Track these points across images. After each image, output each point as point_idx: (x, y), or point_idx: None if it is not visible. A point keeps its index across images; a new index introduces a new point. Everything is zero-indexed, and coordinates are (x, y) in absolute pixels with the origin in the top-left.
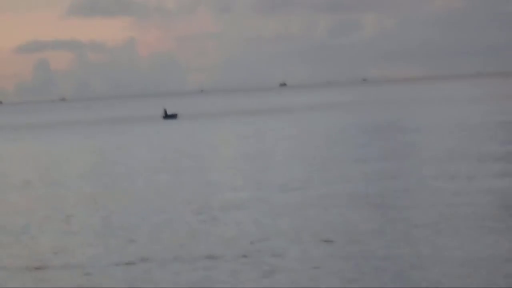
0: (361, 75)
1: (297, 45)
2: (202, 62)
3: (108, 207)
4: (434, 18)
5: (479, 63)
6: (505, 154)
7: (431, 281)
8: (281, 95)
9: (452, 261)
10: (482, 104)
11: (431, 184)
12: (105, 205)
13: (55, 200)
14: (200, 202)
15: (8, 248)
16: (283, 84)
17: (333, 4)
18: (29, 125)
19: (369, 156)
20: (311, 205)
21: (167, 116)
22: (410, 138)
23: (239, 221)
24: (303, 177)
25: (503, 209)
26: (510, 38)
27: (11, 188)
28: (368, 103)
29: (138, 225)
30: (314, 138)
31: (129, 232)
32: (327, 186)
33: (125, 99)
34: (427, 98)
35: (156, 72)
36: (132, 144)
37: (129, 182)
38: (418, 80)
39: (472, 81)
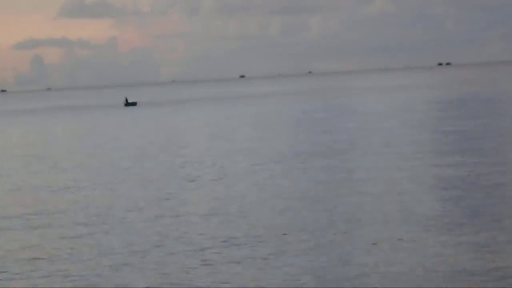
0: (307, 69)
1: (253, 43)
2: (173, 57)
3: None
4: (370, 20)
5: (407, 58)
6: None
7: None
8: (241, 85)
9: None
10: (409, 92)
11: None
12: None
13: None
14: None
15: None
16: (242, 76)
17: (284, 7)
18: (27, 110)
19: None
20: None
21: (128, 103)
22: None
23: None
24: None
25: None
26: (432, 37)
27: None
28: (313, 92)
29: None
30: (267, 120)
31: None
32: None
33: (106, 89)
34: (363, 87)
35: (134, 66)
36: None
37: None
38: (355, 72)
39: (401, 73)
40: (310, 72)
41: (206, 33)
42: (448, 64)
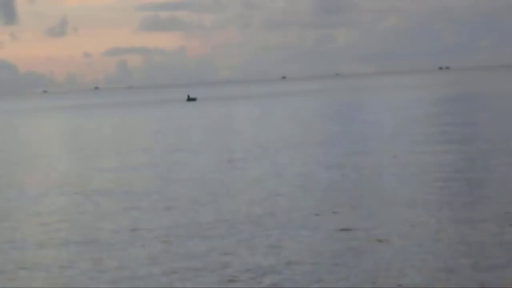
0: (335, 71)
1: (292, 51)
2: (229, 62)
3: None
4: (385, 32)
5: (414, 62)
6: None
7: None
8: (282, 84)
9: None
10: (415, 90)
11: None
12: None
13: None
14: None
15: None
16: (284, 77)
17: (316, 22)
18: (115, 103)
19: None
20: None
21: (189, 99)
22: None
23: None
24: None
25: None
26: (435, 45)
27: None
28: (339, 90)
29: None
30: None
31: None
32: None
33: (175, 87)
34: (379, 86)
35: (198, 69)
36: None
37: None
38: (373, 74)
39: (409, 75)
40: (337, 74)
41: (255, 43)
42: (447, 68)
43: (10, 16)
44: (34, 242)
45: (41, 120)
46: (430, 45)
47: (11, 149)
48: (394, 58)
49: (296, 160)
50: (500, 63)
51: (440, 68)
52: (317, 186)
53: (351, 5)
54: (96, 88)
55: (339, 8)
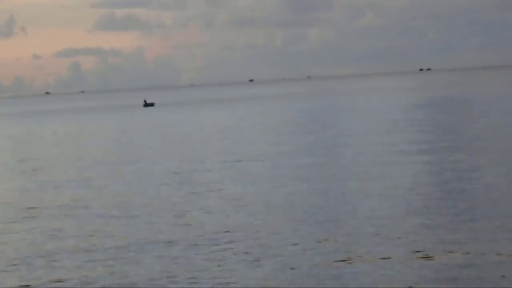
0: (307, 73)
1: (261, 52)
2: (192, 64)
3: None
4: (361, 31)
5: (393, 64)
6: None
7: None
8: (250, 88)
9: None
10: (393, 93)
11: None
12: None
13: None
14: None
15: None
16: (251, 80)
17: (286, 21)
18: (66, 109)
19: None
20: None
21: (146, 104)
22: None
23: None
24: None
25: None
26: (415, 46)
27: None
28: (310, 93)
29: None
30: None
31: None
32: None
33: (133, 92)
34: (354, 89)
35: (158, 71)
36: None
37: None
38: (348, 77)
39: (387, 77)
40: (309, 77)
41: (220, 43)
42: (428, 69)
43: None
44: None
45: None
46: (410, 44)
47: None
48: (371, 60)
49: (252, 173)
50: (488, 64)
51: (421, 69)
52: (277, 201)
53: (324, 1)
54: (47, 93)
55: (311, 5)
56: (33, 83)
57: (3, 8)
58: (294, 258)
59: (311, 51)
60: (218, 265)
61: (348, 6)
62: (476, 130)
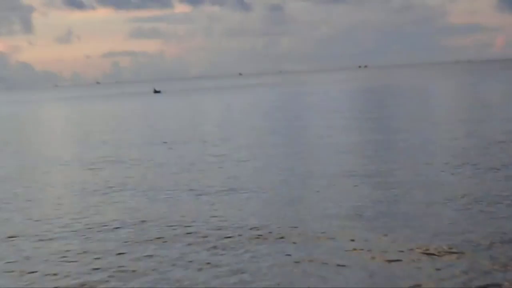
0: (279, 69)
1: (247, 54)
2: (197, 62)
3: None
4: (319, 39)
5: (336, 61)
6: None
7: None
8: (238, 80)
9: None
10: (337, 85)
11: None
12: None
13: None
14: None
15: None
16: (240, 74)
17: (264, 31)
18: (108, 95)
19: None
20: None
21: (155, 91)
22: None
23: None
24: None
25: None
26: (355, 47)
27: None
28: (282, 84)
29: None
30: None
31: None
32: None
33: (157, 81)
34: (311, 81)
35: (174, 67)
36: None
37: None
38: (309, 71)
39: (337, 73)
40: (280, 71)
41: (217, 47)
42: (365, 66)
43: (27, 27)
44: None
45: (49, 109)
46: (352, 49)
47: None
48: (324, 59)
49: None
50: (405, 62)
51: (359, 66)
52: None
53: (291, 17)
54: (98, 83)
55: (282, 20)
56: (86, 76)
57: (63, 23)
58: None
59: (282, 53)
60: None
61: (308, 21)
62: (392, 110)
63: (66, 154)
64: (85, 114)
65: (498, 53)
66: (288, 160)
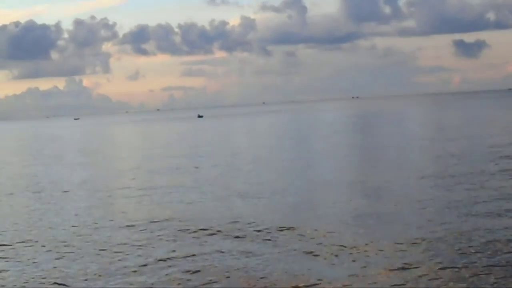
0: (293, 99)
1: (268, 87)
2: (231, 94)
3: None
4: (324, 77)
5: (340, 93)
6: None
7: None
8: (263, 107)
9: None
10: (339, 111)
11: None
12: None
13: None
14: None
15: None
16: (264, 103)
17: (281, 71)
18: (165, 118)
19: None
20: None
21: (199, 116)
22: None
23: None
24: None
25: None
26: (349, 80)
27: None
28: (296, 110)
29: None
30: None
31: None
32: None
33: (199, 109)
34: (318, 108)
35: (213, 98)
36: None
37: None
38: (316, 101)
39: (335, 102)
40: (293, 101)
41: (247, 83)
42: (357, 97)
43: (106, 68)
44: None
45: (121, 128)
46: (347, 84)
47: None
48: (327, 91)
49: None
50: (387, 94)
51: (353, 97)
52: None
53: (302, 61)
54: (158, 110)
55: (295, 63)
56: (149, 105)
57: (132, 65)
58: None
59: (295, 86)
60: None
61: (315, 63)
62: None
63: (143, 163)
64: (149, 132)
65: (456, 88)
66: (292, 171)
